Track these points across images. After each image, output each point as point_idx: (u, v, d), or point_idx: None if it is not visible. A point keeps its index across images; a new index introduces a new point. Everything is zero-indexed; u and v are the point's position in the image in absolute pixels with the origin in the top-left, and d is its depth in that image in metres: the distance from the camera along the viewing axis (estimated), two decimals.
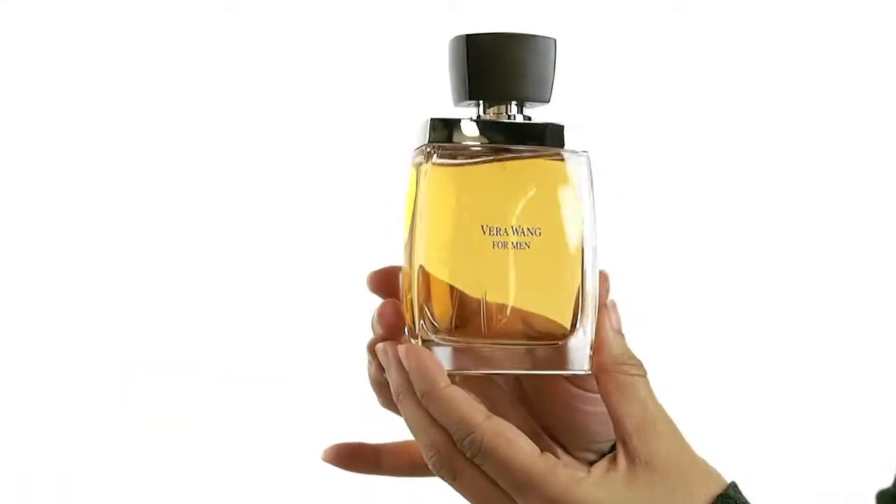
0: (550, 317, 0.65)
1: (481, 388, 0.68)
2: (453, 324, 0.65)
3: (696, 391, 1.52)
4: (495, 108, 0.66)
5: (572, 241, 0.65)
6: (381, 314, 0.66)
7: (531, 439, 0.65)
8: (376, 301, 0.69)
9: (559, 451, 0.69)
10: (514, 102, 0.66)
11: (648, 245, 1.58)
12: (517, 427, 0.65)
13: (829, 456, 1.57)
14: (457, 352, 0.65)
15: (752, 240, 1.62)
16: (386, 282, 0.68)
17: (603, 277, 0.67)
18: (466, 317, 0.65)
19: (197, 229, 1.61)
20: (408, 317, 0.65)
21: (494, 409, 0.65)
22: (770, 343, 1.61)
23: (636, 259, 1.55)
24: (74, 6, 1.59)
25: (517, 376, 0.69)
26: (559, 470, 0.62)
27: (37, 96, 1.60)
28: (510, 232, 0.64)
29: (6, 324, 1.60)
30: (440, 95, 0.75)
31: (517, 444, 0.62)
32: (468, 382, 0.66)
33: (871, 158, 1.61)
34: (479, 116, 0.67)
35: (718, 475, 0.65)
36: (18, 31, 1.59)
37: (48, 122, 1.60)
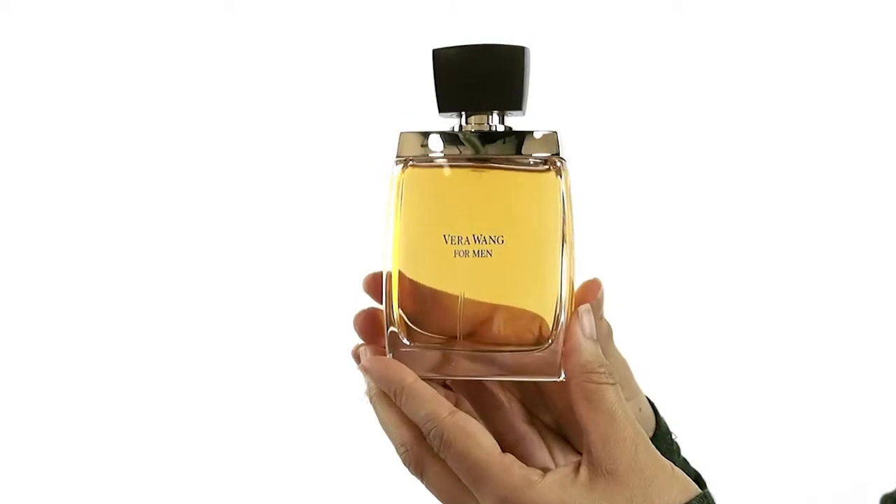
0: (521, 324, 0.66)
1: (474, 392, 0.69)
2: (424, 329, 0.66)
3: (696, 392, 1.52)
4: (476, 117, 0.67)
5: (541, 249, 0.65)
6: (355, 322, 0.69)
7: (516, 442, 0.66)
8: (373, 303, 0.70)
9: (559, 459, 0.69)
10: (495, 112, 0.67)
11: (648, 247, 1.58)
12: (505, 430, 0.67)
13: (828, 457, 1.58)
14: (430, 356, 0.66)
15: (753, 240, 1.62)
16: (380, 286, 0.69)
17: (595, 285, 0.68)
18: (437, 323, 0.66)
19: (198, 230, 1.61)
20: (384, 321, 0.67)
21: (485, 414, 0.67)
22: (769, 344, 1.61)
23: (636, 261, 1.56)
24: (74, 6, 1.59)
25: (495, 381, 0.70)
26: (514, 470, 0.63)
27: (37, 96, 1.60)
28: (471, 240, 0.65)
29: (6, 324, 1.60)
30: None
31: (476, 439, 0.63)
32: (458, 386, 0.68)
33: (870, 159, 1.61)
34: (461, 127, 0.67)
35: (687, 483, 0.64)
36: (18, 31, 1.59)
37: (48, 122, 1.61)
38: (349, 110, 1.58)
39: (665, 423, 0.78)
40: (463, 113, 0.67)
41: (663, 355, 1.51)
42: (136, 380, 1.60)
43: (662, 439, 0.76)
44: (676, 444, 0.78)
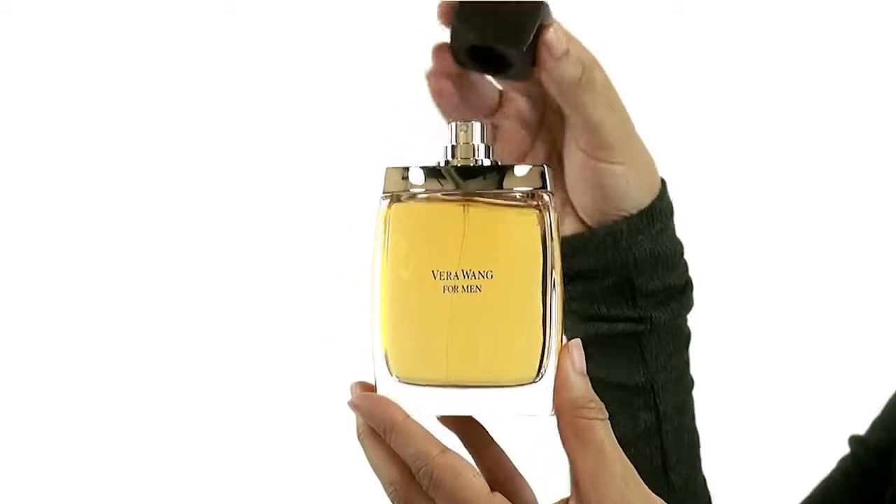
0: (511, 359, 0.65)
1: (463, 429, 0.68)
2: (413, 366, 0.66)
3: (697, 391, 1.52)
4: (463, 148, 0.67)
5: (529, 284, 0.65)
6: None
7: (505, 480, 0.66)
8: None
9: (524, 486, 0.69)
10: (483, 146, 0.67)
11: None
12: (494, 466, 0.66)
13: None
14: (418, 393, 0.66)
15: (752, 240, 1.62)
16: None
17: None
18: (426, 359, 0.66)
19: (199, 231, 1.61)
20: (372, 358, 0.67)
21: (474, 450, 0.66)
22: (769, 343, 1.61)
23: None
24: (74, 6, 1.59)
25: (479, 413, 0.70)
26: None
27: (37, 96, 1.61)
28: (460, 276, 0.65)
29: (6, 324, 1.60)
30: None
31: (466, 479, 0.63)
32: (447, 423, 0.68)
33: (867, 159, 1.62)
34: (447, 162, 0.67)
35: None
36: (18, 31, 1.60)
37: (48, 122, 1.61)
38: (349, 111, 1.58)
39: (666, 205, 0.81)
40: (450, 147, 0.67)
41: None
42: (126, 382, 1.61)
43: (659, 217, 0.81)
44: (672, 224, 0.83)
